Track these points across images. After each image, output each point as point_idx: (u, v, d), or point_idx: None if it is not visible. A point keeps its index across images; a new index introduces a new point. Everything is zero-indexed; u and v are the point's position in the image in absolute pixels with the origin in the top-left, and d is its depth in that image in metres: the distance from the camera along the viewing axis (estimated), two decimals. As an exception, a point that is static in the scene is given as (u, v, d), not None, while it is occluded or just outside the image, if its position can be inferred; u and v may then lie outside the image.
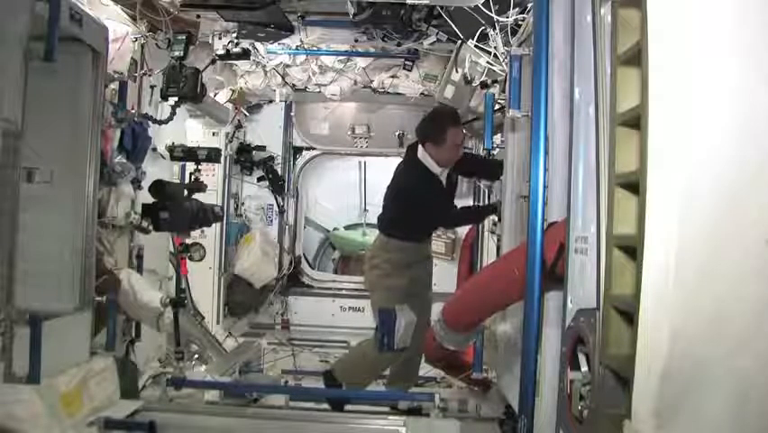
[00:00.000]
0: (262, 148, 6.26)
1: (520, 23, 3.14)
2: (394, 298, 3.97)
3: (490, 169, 4.23)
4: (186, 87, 3.85)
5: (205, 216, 3.91)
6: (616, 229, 1.45)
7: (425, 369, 4.49)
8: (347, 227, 7.44)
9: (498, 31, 3.27)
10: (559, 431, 1.80)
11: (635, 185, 1.34)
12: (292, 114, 6.42)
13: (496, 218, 4.12)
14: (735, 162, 1.22)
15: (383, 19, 4.05)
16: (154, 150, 4.24)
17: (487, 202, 4.99)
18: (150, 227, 3.78)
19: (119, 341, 3.47)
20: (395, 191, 4.17)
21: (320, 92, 5.79)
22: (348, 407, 3.75)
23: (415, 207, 3.98)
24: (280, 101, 6.08)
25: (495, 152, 4.00)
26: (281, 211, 6.45)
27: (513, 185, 3.31)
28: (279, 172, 6.38)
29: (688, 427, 1.24)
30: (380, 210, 4.39)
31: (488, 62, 3.58)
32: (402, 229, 4.10)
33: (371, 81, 5.59)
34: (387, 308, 3.82)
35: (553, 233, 2.12)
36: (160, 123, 4.09)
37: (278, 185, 6.38)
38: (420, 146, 4.00)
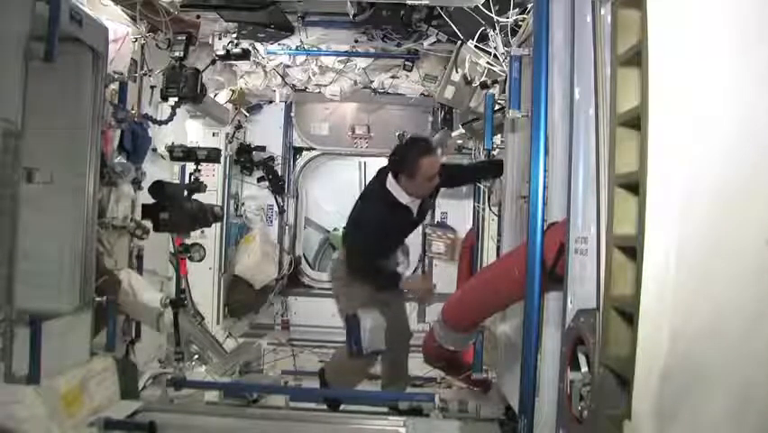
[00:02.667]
0: (262, 148, 6.26)
1: (520, 23, 3.14)
2: (355, 302, 3.90)
3: (473, 174, 4.20)
4: (186, 88, 3.85)
5: (205, 216, 3.90)
6: (616, 229, 1.45)
7: (425, 369, 4.48)
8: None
9: (498, 31, 3.27)
10: (559, 431, 1.80)
11: (635, 185, 1.34)
12: (292, 114, 6.43)
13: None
14: (734, 162, 1.22)
15: (383, 19, 4.06)
16: (154, 150, 4.24)
17: (486, 205, 4.93)
18: (145, 235, 3.79)
19: (119, 341, 3.47)
20: (355, 218, 3.97)
21: (320, 92, 5.79)
22: (348, 407, 3.74)
23: (373, 237, 3.82)
24: (280, 101, 6.08)
25: (495, 152, 4.00)
26: (281, 211, 6.46)
27: (513, 185, 3.31)
28: (279, 173, 6.38)
29: (688, 427, 1.24)
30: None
31: (488, 63, 3.58)
32: (359, 246, 3.94)
33: (371, 82, 5.59)
34: (349, 314, 3.82)
35: (553, 233, 2.13)
36: (160, 123, 4.09)
37: (278, 185, 6.38)
38: (389, 174, 3.76)
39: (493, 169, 4.02)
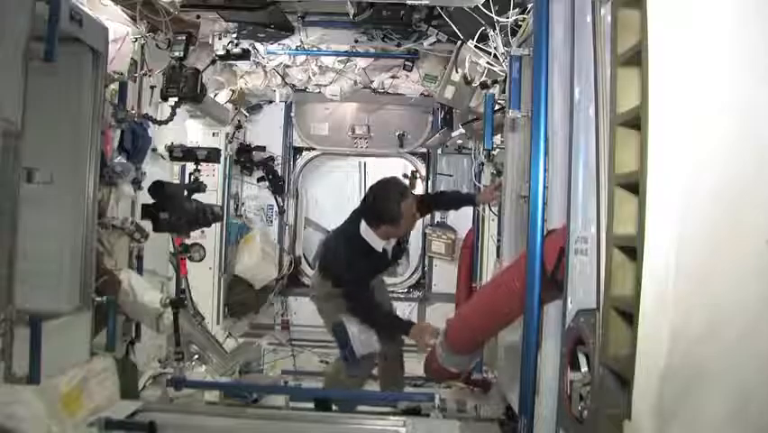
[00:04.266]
0: (262, 148, 6.26)
1: (520, 23, 3.14)
2: (337, 311, 3.92)
3: (458, 203, 4.21)
4: (186, 88, 3.85)
5: (205, 216, 3.90)
6: (616, 229, 1.45)
7: (425, 369, 4.48)
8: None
9: (498, 31, 3.27)
10: (559, 431, 1.80)
11: (635, 185, 1.34)
12: (292, 114, 6.42)
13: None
14: (734, 162, 1.22)
15: (383, 19, 4.05)
16: (154, 150, 4.24)
17: (486, 205, 4.93)
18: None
19: (119, 341, 3.47)
20: (331, 255, 3.97)
21: (320, 92, 5.80)
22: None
23: (342, 277, 3.84)
24: (280, 101, 6.09)
25: (495, 152, 4.00)
26: (281, 211, 6.46)
27: (513, 185, 3.31)
28: (279, 173, 6.38)
29: (688, 427, 1.24)
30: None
31: (488, 63, 3.58)
32: (333, 278, 3.96)
33: (371, 81, 5.60)
34: (335, 324, 3.85)
35: (552, 240, 2.12)
36: (160, 123, 4.09)
37: (278, 185, 6.38)
38: (363, 221, 3.74)
39: (465, 202, 4.20)
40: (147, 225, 3.70)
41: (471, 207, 5.15)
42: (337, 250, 3.95)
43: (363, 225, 3.73)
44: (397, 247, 3.95)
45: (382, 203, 3.68)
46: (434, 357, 3.11)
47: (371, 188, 3.90)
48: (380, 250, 3.77)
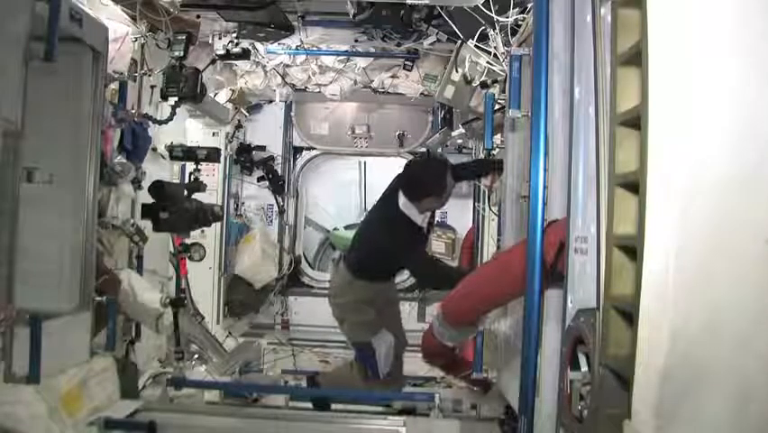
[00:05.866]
0: (262, 148, 6.26)
1: (520, 22, 3.14)
2: (365, 329, 3.96)
3: (474, 172, 4.22)
4: (186, 87, 3.85)
5: (205, 216, 3.91)
6: (616, 229, 1.45)
7: (425, 369, 4.49)
8: (347, 227, 7.42)
9: (498, 31, 3.27)
10: (559, 431, 1.80)
11: (635, 185, 1.34)
12: (292, 114, 6.43)
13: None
14: (735, 162, 1.22)
15: (383, 19, 4.05)
16: (154, 150, 4.24)
17: (486, 205, 4.93)
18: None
19: (119, 341, 3.47)
20: (375, 243, 3.93)
21: (320, 92, 5.80)
22: (348, 407, 3.75)
23: (396, 261, 3.87)
24: (280, 101, 6.09)
25: (495, 152, 4.00)
26: (281, 211, 6.46)
27: (513, 185, 3.30)
28: (279, 172, 6.38)
29: (688, 427, 1.23)
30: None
31: (488, 62, 3.58)
32: (372, 274, 3.97)
33: (371, 81, 5.60)
34: (361, 342, 3.89)
35: (553, 231, 2.12)
36: (160, 123, 4.09)
37: (278, 185, 6.38)
38: (402, 195, 3.73)
39: (488, 165, 4.06)
40: (147, 224, 3.70)
41: (472, 205, 5.14)
42: (380, 234, 3.91)
43: (403, 199, 3.73)
44: (430, 222, 3.98)
45: (428, 177, 3.72)
46: (431, 333, 3.12)
47: (412, 163, 4.06)
48: (420, 224, 3.79)
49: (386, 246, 3.82)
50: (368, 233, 4.07)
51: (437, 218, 6.31)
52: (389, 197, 3.86)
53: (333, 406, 3.74)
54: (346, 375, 4.28)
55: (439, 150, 6.32)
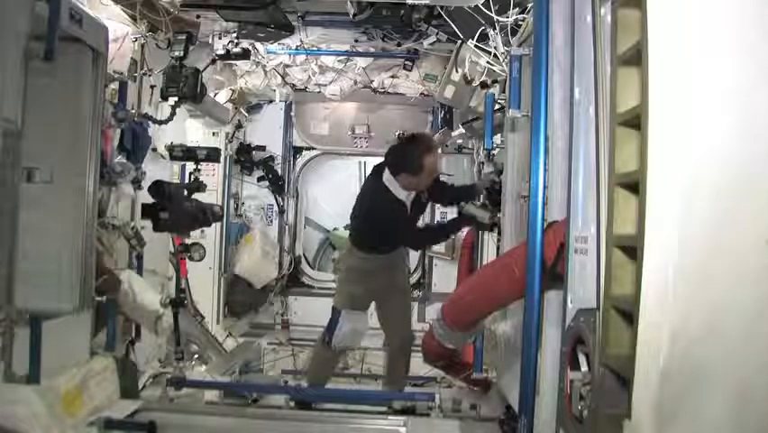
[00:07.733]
0: (262, 148, 6.26)
1: (520, 22, 3.14)
2: (346, 299, 4.09)
3: (458, 195, 4.25)
4: (186, 87, 3.85)
5: (205, 216, 3.90)
6: (616, 229, 1.45)
7: (425, 369, 4.49)
8: (347, 227, 7.43)
9: (498, 31, 3.27)
10: (559, 431, 1.80)
11: (635, 185, 1.34)
12: (292, 114, 6.42)
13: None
14: (734, 162, 1.22)
15: (383, 19, 4.04)
16: (154, 150, 4.24)
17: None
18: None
19: (119, 341, 3.47)
20: (360, 212, 4.09)
21: (320, 92, 5.79)
22: (348, 407, 3.75)
23: (378, 230, 3.95)
24: (280, 101, 6.08)
25: (495, 152, 4.00)
26: (281, 211, 6.45)
27: (513, 185, 3.30)
28: (279, 172, 6.38)
29: (688, 427, 1.24)
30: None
31: (488, 62, 3.58)
32: (366, 244, 4.06)
33: (371, 81, 5.59)
34: (336, 307, 4.07)
35: (553, 232, 2.12)
36: (160, 123, 4.09)
37: (278, 185, 6.38)
38: (387, 171, 3.83)
39: (467, 194, 4.14)
40: (147, 225, 3.70)
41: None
42: (365, 202, 4.05)
43: (386, 173, 3.83)
44: (417, 202, 4.01)
45: (406, 152, 3.78)
46: (432, 335, 3.13)
47: (399, 137, 4.12)
48: (402, 199, 3.85)
49: (371, 215, 3.95)
50: (358, 202, 4.19)
51: (438, 218, 6.31)
52: (379, 168, 3.98)
53: (333, 406, 3.76)
54: (313, 355, 4.45)
55: (439, 150, 6.32)
